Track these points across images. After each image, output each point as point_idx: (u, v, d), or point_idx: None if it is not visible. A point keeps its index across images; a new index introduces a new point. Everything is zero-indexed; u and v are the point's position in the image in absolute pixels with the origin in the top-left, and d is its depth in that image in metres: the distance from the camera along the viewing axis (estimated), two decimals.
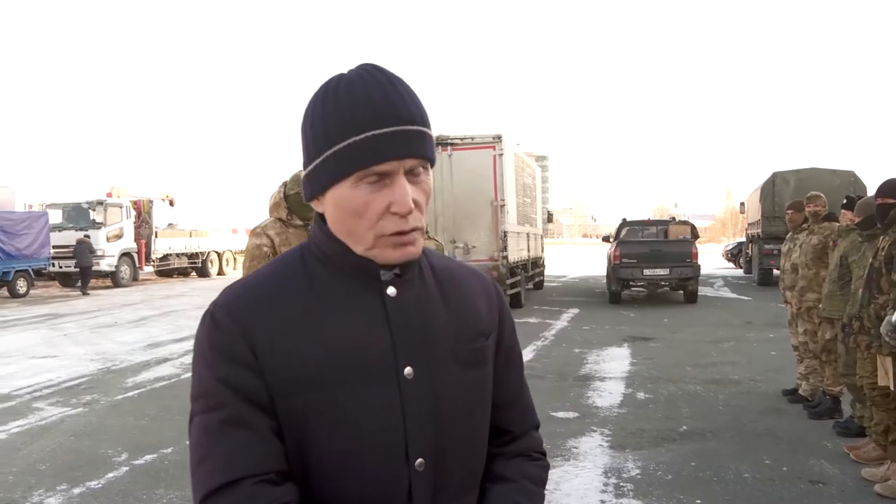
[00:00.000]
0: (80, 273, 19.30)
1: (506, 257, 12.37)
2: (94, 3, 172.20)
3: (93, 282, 20.35)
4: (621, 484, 4.20)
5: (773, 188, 17.29)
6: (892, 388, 3.83)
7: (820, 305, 5.34)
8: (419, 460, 0.95)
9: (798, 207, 6.07)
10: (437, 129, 12.69)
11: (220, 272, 26.42)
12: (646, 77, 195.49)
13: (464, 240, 12.38)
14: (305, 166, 0.97)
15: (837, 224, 5.44)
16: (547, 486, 1.15)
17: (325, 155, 0.92)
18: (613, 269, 14.19)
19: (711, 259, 30.34)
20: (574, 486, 4.17)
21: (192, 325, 11.14)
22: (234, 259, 26.88)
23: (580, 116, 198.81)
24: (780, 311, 10.06)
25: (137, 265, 22.24)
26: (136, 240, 22.09)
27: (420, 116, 0.93)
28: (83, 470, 4.59)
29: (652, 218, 27.03)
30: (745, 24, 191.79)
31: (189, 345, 9.10)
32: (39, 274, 19.62)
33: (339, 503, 0.93)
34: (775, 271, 15.80)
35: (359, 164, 0.90)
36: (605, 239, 17.04)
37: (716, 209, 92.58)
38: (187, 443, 0.96)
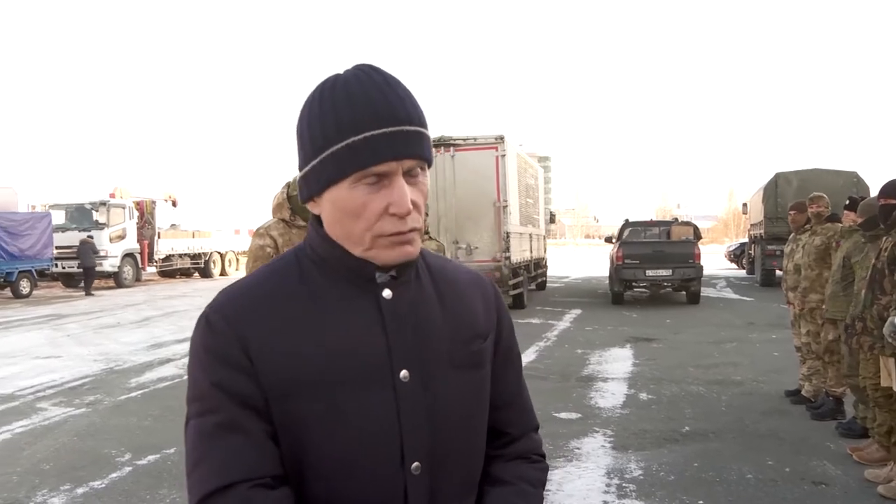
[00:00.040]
0: (84, 274, 19.35)
1: (508, 258, 12.36)
2: (98, 4, 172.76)
3: (96, 282, 20.40)
4: (624, 485, 4.19)
5: (775, 189, 17.27)
6: (895, 389, 3.83)
7: (823, 306, 5.33)
8: (415, 463, 0.94)
9: (801, 208, 6.07)
10: (439, 130, 12.79)
11: (223, 273, 26.50)
12: (649, 78, 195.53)
13: (466, 240, 12.36)
14: (301, 167, 0.96)
15: (840, 225, 5.43)
16: (549, 487, 1.15)
17: (323, 156, 0.91)
18: (616, 269, 14.19)
19: (714, 260, 30.33)
20: (577, 487, 4.15)
21: (194, 325, 11.13)
22: (237, 260, 26.97)
23: (583, 117, 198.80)
24: (782, 311, 10.03)
25: (140, 266, 22.29)
26: (138, 240, 22.13)
27: (417, 117, 0.92)
28: (86, 470, 4.60)
29: (654, 219, 26.96)
30: (749, 25, 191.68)
31: None
32: (43, 274, 19.63)
33: None
34: (778, 272, 15.80)
35: (357, 165, 0.89)
36: (608, 240, 17.02)
37: (718, 210, 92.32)
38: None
